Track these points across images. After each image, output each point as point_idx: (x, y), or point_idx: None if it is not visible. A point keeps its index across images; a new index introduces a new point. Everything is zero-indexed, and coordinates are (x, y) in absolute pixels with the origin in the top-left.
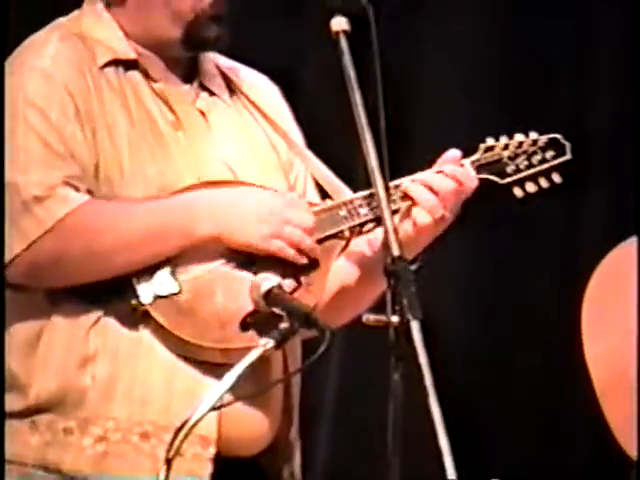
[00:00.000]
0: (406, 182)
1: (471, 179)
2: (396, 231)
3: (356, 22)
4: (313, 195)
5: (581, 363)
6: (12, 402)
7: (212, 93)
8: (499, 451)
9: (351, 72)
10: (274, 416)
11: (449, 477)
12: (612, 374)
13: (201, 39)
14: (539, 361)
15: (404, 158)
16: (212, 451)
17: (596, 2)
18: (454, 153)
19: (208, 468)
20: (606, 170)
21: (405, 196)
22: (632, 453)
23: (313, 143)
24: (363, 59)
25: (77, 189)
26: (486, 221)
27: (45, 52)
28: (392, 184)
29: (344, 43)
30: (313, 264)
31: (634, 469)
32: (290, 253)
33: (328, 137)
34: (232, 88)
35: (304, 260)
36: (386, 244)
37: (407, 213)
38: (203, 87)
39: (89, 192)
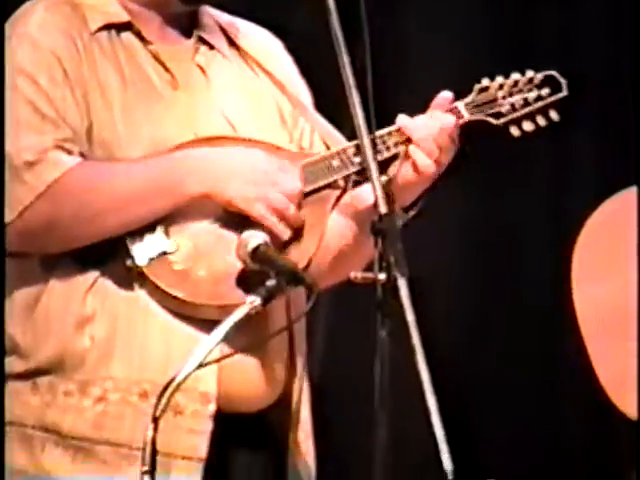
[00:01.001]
0: (405, 124)
1: (447, 118)
2: (383, 187)
3: None
4: (320, 147)
5: (569, 310)
6: (13, 365)
7: (212, 47)
8: (485, 412)
9: (338, 32)
10: (277, 369)
11: (436, 434)
12: (602, 319)
13: None
14: (532, 322)
15: (394, 111)
16: (212, 408)
17: None
18: (445, 95)
19: (209, 425)
20: (600, 114)
21: (401, 142)
22: (626, 409)
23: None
24: (349, 20)
25: (70, 152)
26: (480, 180)
27: (31, 19)
28: (385, 130)
29: (331, 2)
30: (296, 234)
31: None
32: (271, 221)
33: (315, 96)
34: (233, 42)
35: (285, 231)
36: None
37: (406, 157)
38: (202, 41)
39: (82, 155)
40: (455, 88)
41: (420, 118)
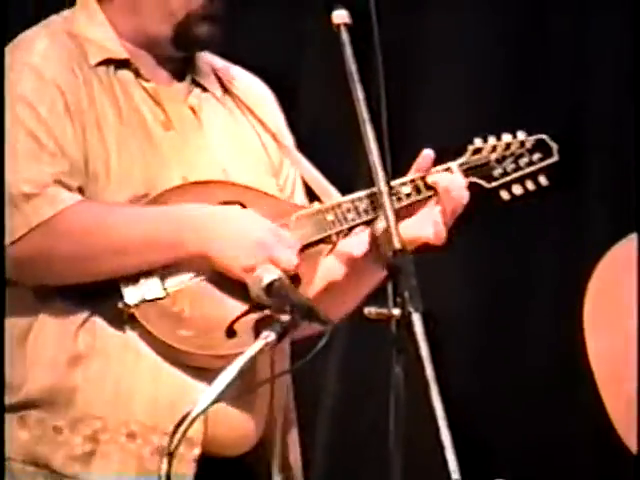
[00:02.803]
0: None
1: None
2: (397, 225)
3: (357, 15)
4: (301, 196)
5: (584, 359)
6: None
7: (205, 89)
8: (500, 445)
9: (352, 66)
10: (260, 416)
11: (451, 471)
12: (614, 369)
13: (192, 39)
14: (543, 360)
15: (406, 152)
16: (196, 452)
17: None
18: (427, 153)
19: (192, 468)
20: (607, 168)
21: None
22: (634, 448)
23: (314, 140)
24: (364, 54)
25: (68, 188)
26: (486, 223)
27: (35, 49)
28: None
29: (345, 36)
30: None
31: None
32: None
33: (330, 133)
34: (225, 87)
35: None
36: (388, 238)
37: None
38: (195, 83)
39: (80, 190)
40: (461, 141)
41: (446, 175)
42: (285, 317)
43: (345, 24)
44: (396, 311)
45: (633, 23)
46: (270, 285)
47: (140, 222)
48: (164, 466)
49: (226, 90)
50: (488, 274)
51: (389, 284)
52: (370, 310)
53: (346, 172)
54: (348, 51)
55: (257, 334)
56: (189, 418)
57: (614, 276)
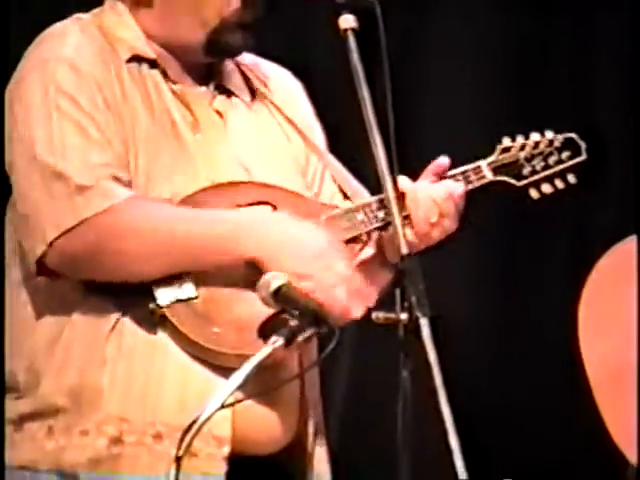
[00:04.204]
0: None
1: (456, 188)
2: (404, 230)
3: (363, 20)
4: (329, 194)
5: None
6: (27, 402)
7: (230, 94)
8: (507, 449)
9: (360, 71)
10: (290, 415)
11: (459, 476)
12: (609, 374)
13: (224, 46)
14: (554, 362)
15: (413, 157)
16: (226, 450)
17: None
18: (442, 161)
19: (223, 467)
20: (613, 167)
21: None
22: (631, 456)
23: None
24: (370, 58)
25: (120, 181)
26: (492, 222)
27: (68, 42)
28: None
29: (352, 41)
30: None
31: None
32: (319, 299)
33: (337, 136)
34: (251, 86)
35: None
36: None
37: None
38: (220, 88)
39: (129, 184)
40: (470, 144)
41: (422, 183)
42: (293, 322)
43: (352, 29)
44: (404, 316)
45: (634, 24)
46: (278, 290)
47: (196, 223)
48: (172, 472)
49: (252, 90)
50: (495, 276)
51: (397, 289)
52: (378, 315)
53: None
54: (355, 56)
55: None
56: (197, 424)
57: (611, 278)
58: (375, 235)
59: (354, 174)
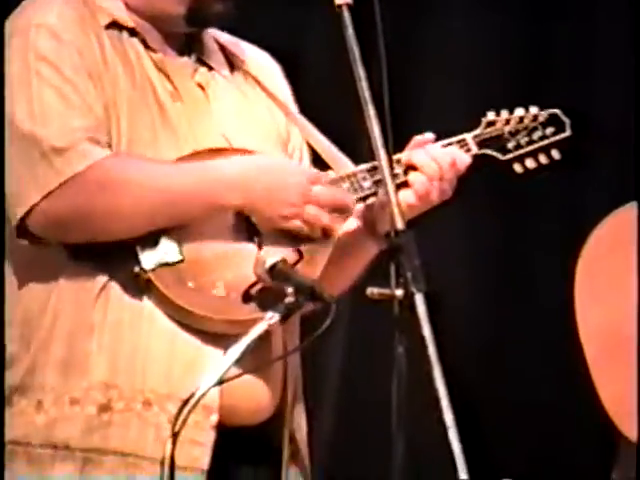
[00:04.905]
0: (405, 155)
1: (463, 157)
2: (399, 204)
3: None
4: (307, 165)
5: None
6: (16, 373)
7: (210, 68)
8: (500, 429)
9: (354, 46)
10: (275, 385)
11: (454, 450)
12: (606, 346)
13: (205, 16)
14: (551, 340)
15: (407, 132)
16: (214, 419)
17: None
18: (428, 136)
19: (211, 436)
20: (609, 146)
21: (407, 170)
22: (628, 432)
23: (316, 116)
24: (366, 34)
25: (99, 143)
26: (485, 198)
27: (49, 10)
28: (393, 158)
29: (347, 16)
30: (325, 237)
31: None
32: (305, 232)
33: (331, 110)
34: (232, 62)
35: (318, 235)
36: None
37: (407, 183)
38: (201, 62)
39: (109, 146)
40: (463, 120)
41: (431, 146)
42: (289, 298)
43: (347, 4)
44: (399, 292)
45: (635, 24)
46: (273, 267)
47: (180, 175)
48: (168, 446)
49: (233, 65)
50: (489, 251)
51: (391, 264)
52: (373, 290)
53: (347, 150)
54: (350, 32)
55: (273, 299)
56: (192, 400)
57: (609, 247)
58: (361, 205)
59: (349, 147)
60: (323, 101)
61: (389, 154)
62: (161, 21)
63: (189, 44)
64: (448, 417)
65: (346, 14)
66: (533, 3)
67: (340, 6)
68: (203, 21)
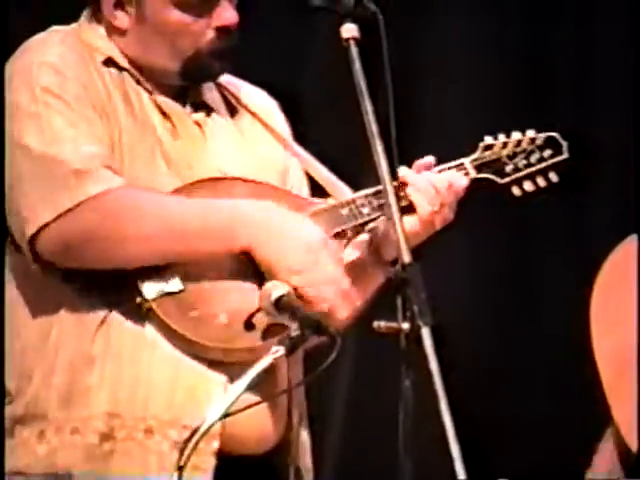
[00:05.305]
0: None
1: (460, 179)
2: (407, 238)
3: (365, 28)
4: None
5: (590, 360)
6: (18, 405)
7: (208, 108)
8: (508, 456)
9: (362, 80)
10: (279, 416)
11: None
12: (620, 371)
13: (200, 74)
14: (552, 366)
15: (411, 160)
16: (215, 445)
17: (598, 5)
18: (427, 160)
19: (211, 462)
20: (611, 167)
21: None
22: (634, 447)
23: (315, 149)
24: (371, 66)
25: (115, 172)
26: (488, 223)
27: (50, 50)
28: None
29: (354, 50)
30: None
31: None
32: (308, 295)
33: (329, 143)
34: (229, 101)
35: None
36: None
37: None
38: (196, 106)
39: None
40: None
41: (426, 172)
42: (294, 331)
43: (354, 38)
44: (405, 325)
45: (634, 26)
46: (279, 300)
47: (193, 209)
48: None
49: (230, 103)
50: (493, 276)
51: (398, 298)
52: (379, 324)
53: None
54: (357, 65)
55: (276, 329)
56: (198, 433)
57: (621, 275)
58: (366, 236)
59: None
60: (321, 134)
61: (397, 188)
62: (156, 75)
63: (185, 89)
64: (455, 449)
65: (353, 48)
66: (532, 9)
67: (348, 40)
68: (198, 78)
